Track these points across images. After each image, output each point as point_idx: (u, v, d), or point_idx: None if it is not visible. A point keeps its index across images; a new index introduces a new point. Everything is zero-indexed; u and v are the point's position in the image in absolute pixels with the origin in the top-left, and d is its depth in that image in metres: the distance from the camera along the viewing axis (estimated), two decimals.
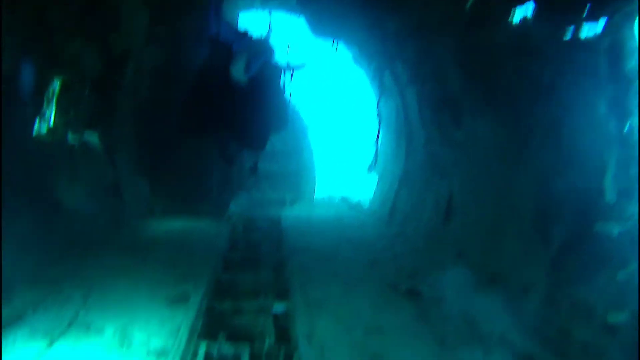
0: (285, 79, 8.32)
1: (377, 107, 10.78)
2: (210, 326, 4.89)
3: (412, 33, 7.34)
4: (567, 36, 4.61)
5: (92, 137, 7.76)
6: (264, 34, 8.36)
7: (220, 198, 11.22)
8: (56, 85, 6.80)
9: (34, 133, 6.51)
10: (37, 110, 6.56)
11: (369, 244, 8.04)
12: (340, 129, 20.43)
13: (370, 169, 11.31)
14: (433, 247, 6.96)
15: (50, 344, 4.26)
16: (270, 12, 9.80)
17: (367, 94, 12.50)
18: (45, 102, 6.60)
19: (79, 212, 7.00)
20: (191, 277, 5.90)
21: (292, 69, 8.41)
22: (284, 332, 4.91)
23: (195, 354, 4.12)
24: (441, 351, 4.31)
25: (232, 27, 7.96)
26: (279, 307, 5.25)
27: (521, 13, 5.17)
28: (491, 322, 4.64)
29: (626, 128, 4.22)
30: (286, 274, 6.34)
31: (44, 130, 6.74)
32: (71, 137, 7.32)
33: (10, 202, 5.33)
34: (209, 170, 11.32)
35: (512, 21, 5.30)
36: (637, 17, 4.13)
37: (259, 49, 7.49)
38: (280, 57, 8.32)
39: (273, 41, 8.11)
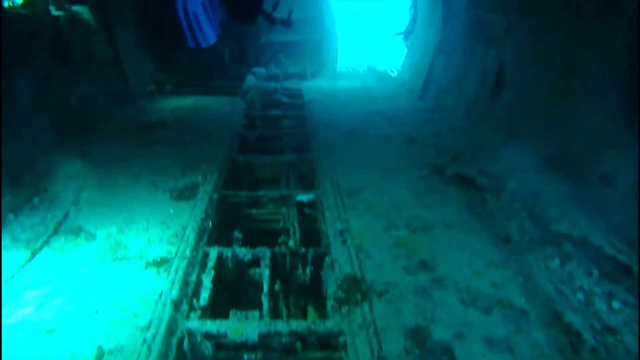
0: None
1: None
2: (223, 225, 4.16)
3: None
4: None
5: (83, 11, 6.62)
6: None
7: (234, 71, 10.23)
8: None
9: (6, 5, 5.44)
10: None
11: (403, 117, 7.06)
12: None
13: (406, 36, 10.00)
14: (479, 126, 5.98)
15: (33, 255, 3.55)
16: None
17: None
18: None
19: (72, 92, 6.10)
20: (201, 163, 5.08)
21: None
22: (311, 229, 4.17)
23: (203, 265, 3.38)
24: (506, 257, 3.50)
25: None
26: (304, 197, 4.48)
27: None
28: (564, 219, 3.80)
29: None
30: (311, 154, 5.48)
31: (19, 2, 5.66)
32: (54, 11, 6.23)
33: None
34: (219, 37, 10.22)
35: None
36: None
37: None
38: None
39: None
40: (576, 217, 3.83)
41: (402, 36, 10.44)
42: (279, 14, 8.74)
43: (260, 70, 10.04)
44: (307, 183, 5.04)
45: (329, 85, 9.71)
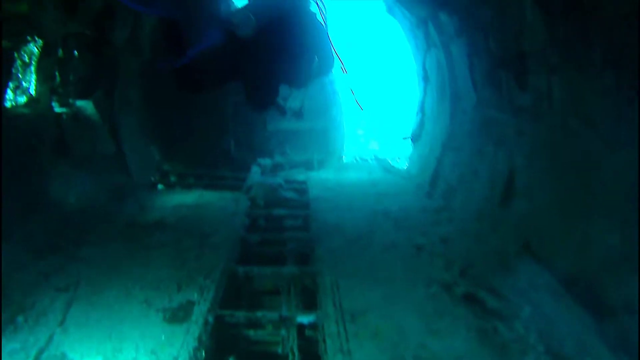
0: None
1: (423, 66, 9.35)
2: (218, 350, 3.90)
3: None
4: None
5: (87, 106, 6.65)
6: None
7: (239, 158, 10.22)
8: (34, 47, 5.68)
9: (8, 105, 5.45)
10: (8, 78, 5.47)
11: (410, 219, 6.85)
12: (369, 83, 19.16)
13: (414, 140, 9.93)
14: (488, 233, 5.77)
15: None
16: None
17: (402, 47, 11.09)
18: (20, 69, 5.51)
19: (72, 189, 6.02)
20: (199, 276, 4.84)
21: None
22: (312, 352, 3.90)
23: None
24: None
25: None
26: (305, 319, 4.23)
27: None
28: (584, 354, 3.51)
29: None
30: (313, 267, 5.25)
31: (23, 101, 5.68)
32: (58, 108, 6.25)
33: None
34: (225, 129, 10.28)
35: None
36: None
37: None
38: None
39: None
40: (597, 352, 3.55)
41: (409, 140, 10.41)
42: (290, 104, 8.78)
43: (266, 161, 10.01)
44: (309, 297, 4.79)
45: (335, 177, 9.62)
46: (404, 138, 10.60)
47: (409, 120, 10.86)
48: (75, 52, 6.57)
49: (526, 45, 5.36)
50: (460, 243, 5.84)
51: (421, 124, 9.78)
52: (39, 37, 5.66)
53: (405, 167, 10.43)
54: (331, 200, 7.73)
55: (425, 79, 9.43)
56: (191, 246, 5.69)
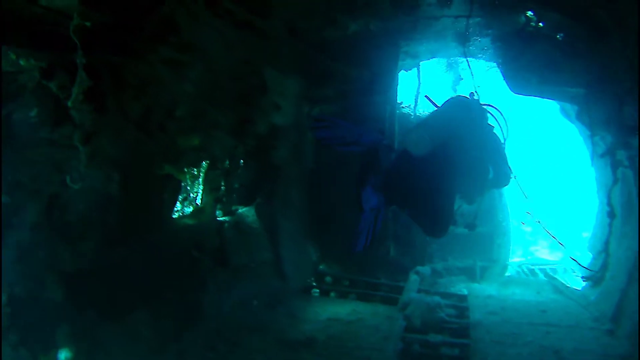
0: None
1: (608, 200, 8.42)
2: None
3: None
4: None
5: (248, 213, 6.91)
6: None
7: (397, 263, 9.91)
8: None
9: (175, 216, 5.82)
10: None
11: None
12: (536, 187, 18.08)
13: (594, 283, 8.77)
14: None
15: None
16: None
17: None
18: (189, 181, 5.91)
19: (226, 298, 6.15)
20: None
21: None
22: None
23: None
24: None
25: None
26: None
27: None
28: None
29: None
30: None
31: (189, 211, 6.04)
32: (221, 216, 6.55)
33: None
34: (385, 232, 10.08)
35: None
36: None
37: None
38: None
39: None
40: None
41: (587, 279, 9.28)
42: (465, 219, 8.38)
43: (425, 269, 9.56)
44: None
45: (498, 295, 8.85)
46: (582, 278, 9.43)
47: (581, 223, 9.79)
48: (241, 162, 6.89)
49: None
50: None
51: (604, 266, 8.63)
52: (209, 159, 6.04)
53: (581, 288, 9.33)
54: (494, 329, 7.04)
55: (611, 214, 8.38)
56: None
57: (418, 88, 10.77)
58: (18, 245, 4.56)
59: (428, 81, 11.50)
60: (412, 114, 10.54)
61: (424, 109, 10.89)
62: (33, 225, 4.67)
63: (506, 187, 7.15)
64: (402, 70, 9.99)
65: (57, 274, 4.74)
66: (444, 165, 6.59)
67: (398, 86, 9.36)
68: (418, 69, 10.64)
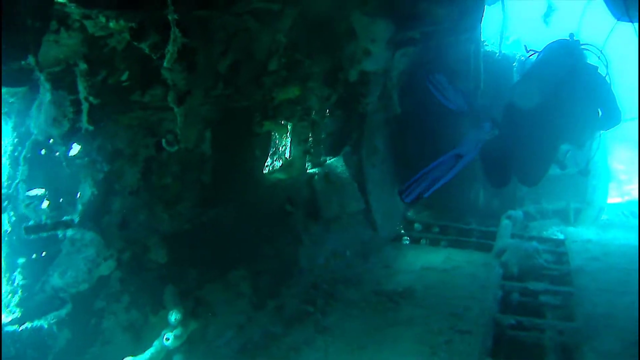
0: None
1: None
2: None
3: None
4: None
5: (337, 163, 6.76)
6: None
7: (486, 209, 9.59)
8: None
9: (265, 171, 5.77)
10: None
11: None
12: None
13: None
14: None
15: None
16: None
17: None
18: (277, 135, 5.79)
19: (320, 250, 6.13)
20: None
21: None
22: None
23: None
24: None
25: None
26: None
27: None
28: None
29: None
30: None
31: (278, 165, 5.96)
32: (310, 169, 6.45)
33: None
34: (474, 176, 9.72)
35: None
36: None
37: None
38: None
39: None
40: None
41: None
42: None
43: (517, 213, 9.18)
44: None
45: (598, 239, 8.37)
46: None
47: None
48: (327, 111, 6.73)
49: None
50: None
51: None
52: (304, 111, 5.90)
53: None
54: (598, 275, 6.68)
55: None
56: (441, 329, 5.32)
57: (503, 23, 10.05)
58: (121, 210, 4.63)
59: (515, 16, 10.75)
60: (497, 51, 9.87)
61: (510, 48, 10.26)
62: (132, 189, 4.72)
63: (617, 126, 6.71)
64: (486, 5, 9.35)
65: (158, 236, 4.82)
66: (552, 115, 6.25)
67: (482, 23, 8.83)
68: (503, 2, 9.90)
